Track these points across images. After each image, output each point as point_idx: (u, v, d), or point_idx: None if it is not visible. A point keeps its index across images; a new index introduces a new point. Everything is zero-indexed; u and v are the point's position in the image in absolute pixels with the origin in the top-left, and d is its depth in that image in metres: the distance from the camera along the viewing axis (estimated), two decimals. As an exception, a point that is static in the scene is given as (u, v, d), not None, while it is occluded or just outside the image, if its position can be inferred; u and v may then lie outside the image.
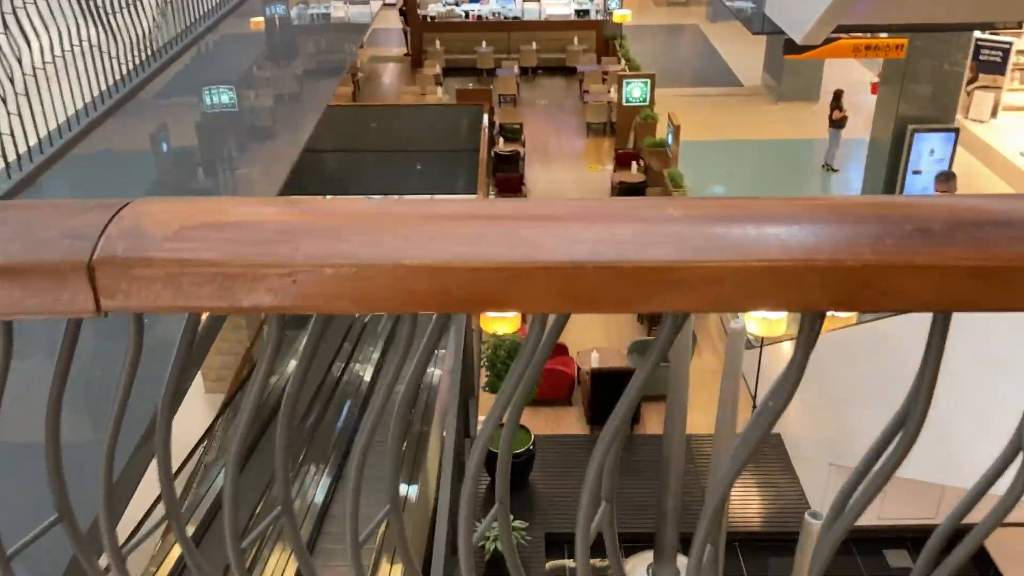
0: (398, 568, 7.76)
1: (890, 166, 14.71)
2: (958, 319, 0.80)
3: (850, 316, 8.51)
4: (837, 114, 17.20)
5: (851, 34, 12.38)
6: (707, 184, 16.75)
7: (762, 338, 8.68)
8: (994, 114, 18.86)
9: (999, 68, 18.78)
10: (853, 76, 20.28)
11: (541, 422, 9.82)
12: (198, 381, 13.38)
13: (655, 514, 7.46)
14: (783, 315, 8.56)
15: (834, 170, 17.57)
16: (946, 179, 8.58)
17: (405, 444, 9.55)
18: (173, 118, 7.17)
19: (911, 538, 8.02)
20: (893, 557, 7.95)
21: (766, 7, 7.66)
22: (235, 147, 8.60)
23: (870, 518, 8.20)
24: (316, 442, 9.81)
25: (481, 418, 10.29)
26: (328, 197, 0.56)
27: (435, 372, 12.03)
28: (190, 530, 8.22)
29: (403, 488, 8.89)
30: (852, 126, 17.40)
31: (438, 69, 22.95)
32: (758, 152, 18.79)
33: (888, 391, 6.79)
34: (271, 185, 8.48)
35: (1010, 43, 18.60)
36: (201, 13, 7.18)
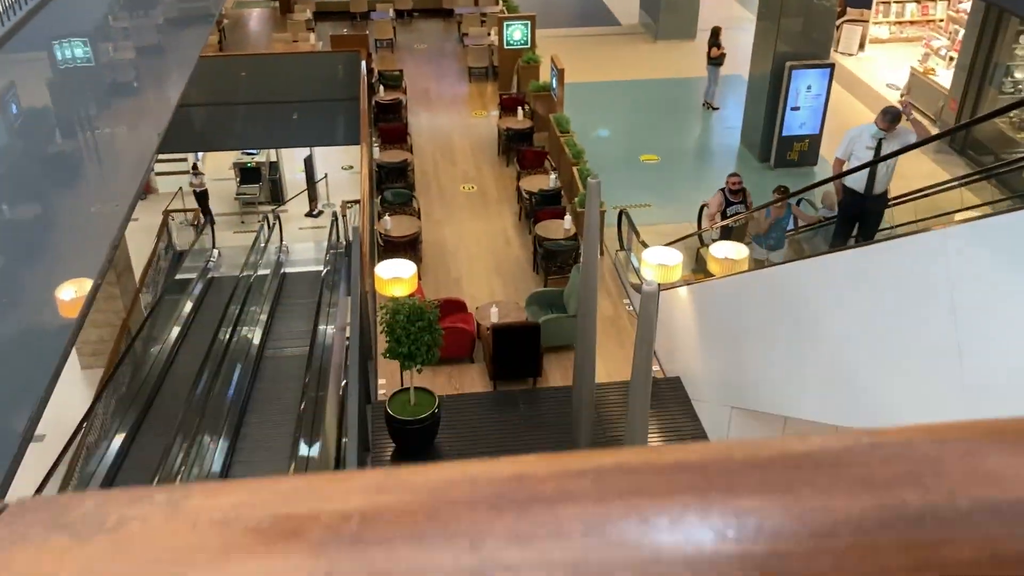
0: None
1: (769, 103, 14.95)
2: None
3: (742, 261, 8.59)
4: (715, 52, 17.31)
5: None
6: (593, 127, 16.67)
7: (659, 283, 8.70)
8: (862, 47, 19.44)
9: (865, 2, 19.31)
10: (729, 13, 20.49)
11: (443, 381, 9.64)
12: (73, 358, 12.59)
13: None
14: (678, 262, 8.57)
15: (714, 108, 17.77)
16: (893, 119, 8.22)
17: (304, 405, 9.23)
18: (20, 76, 6.50)
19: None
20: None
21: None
22: (96, 106, 7.92)
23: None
24: (209, 408, 9.38)
25: (382, 381, 10.03)
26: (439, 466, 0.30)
27: (327, 330, 11.65)
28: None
29: (304, 448, 8.60)
30: (730, 63, 17.59)
31: (309, 14, 21.95)
32: (640, 92, 18.81)
33: (784, 335, 6.88)
34: (144, 146, 7.86)
35: (875, -23, 19.13)
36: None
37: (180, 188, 16.86)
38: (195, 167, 17.11)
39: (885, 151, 8.07)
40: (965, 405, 4.64)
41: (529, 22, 18.04)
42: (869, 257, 5.71)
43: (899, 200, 8.63)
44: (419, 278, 10.31)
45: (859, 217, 8.47)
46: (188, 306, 12.55)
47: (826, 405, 6.49)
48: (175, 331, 11.73)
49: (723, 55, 17.32)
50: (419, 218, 12.87)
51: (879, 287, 5.44)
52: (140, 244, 13.83)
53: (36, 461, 6.80)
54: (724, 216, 10.63)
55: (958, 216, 7.11)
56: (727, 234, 10.33)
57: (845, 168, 8.44)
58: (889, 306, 5.32)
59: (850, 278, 5.85)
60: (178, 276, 13.85)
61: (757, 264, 9.74)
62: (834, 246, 8.78)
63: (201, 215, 16.18)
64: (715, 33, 17.39)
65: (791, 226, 10.16)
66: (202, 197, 16.45)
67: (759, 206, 10.34)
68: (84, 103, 7.21)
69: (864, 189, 8.14)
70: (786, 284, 6.84)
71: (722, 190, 10.72)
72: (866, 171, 8.04)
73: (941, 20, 18.88)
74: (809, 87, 14.50)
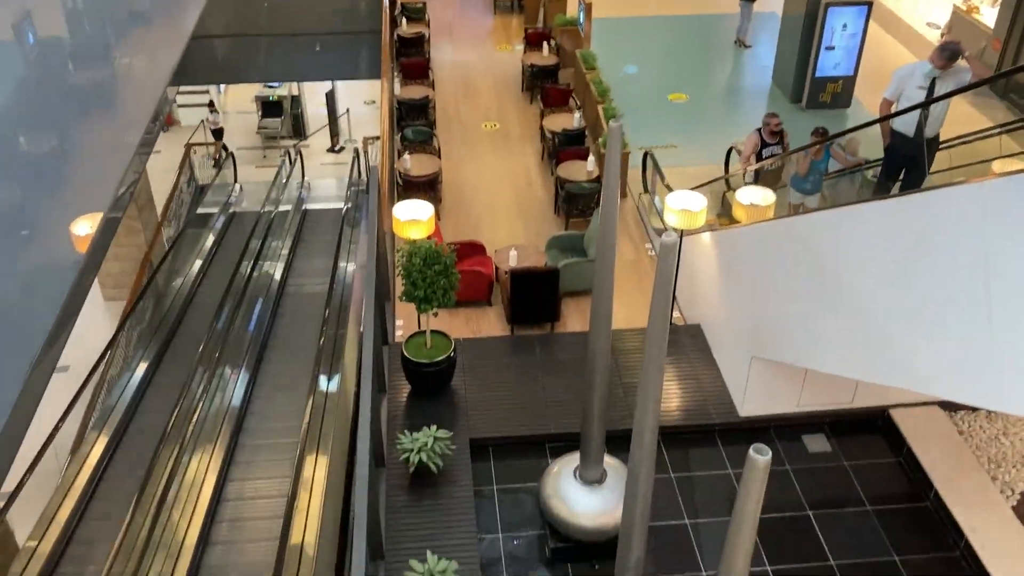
0: (323, 460, 7.53)
1: (803, 42, 14.48)
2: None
3: (768, 208, 8.36)
4: (749, -13, 16.77)
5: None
6: (620, 65, 16.26)
7: (681, 230, 8.53)
8: (902, -16, 18.72)
9: (908, -64, 18.53)
10: (764, -54, 19.74)
11: (461, 324, 9.58)
12: (95, 290, 12.66)
13: (578, 414, 7.37)
14: (703, 208, 8.37)
15: (747, 46, 17.27)
16: (951, 57, 7.45)
17: (323, 340, 9.22)
18: (29, 3, 6.35)
19: (828, 423, 8.19)
20: (811, 441, 8.11)
21: None
22: (112, 34, 7.78)
23: (789, 405, 8.25)
24: (230, 342, 9.41)
25: (399, 323, 9.97)
26: None
27: (347, 267, 11.60)
28: (102, 443, 7.84)
29: (323, 383, 8.62)
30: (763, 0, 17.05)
31: (332, -58, 21.41)
32: (670, 28, 18.31)
33: (806, 284, 6.70)
34: (157, 76, 7.73)
35: (918, -91, 18.30)
36: None
37: (202, 121, 16.74)
38: (211, 104, 16.94)
39: (939, 91, 7.62)
40: (991, 370, 4.48)
41: (557, -47, 17.53)
42: (900, 209, 5.49)
43: (949, 144, 8.17)
44: (437, 218, 10.17)
45: (906, 162, 7.94)
46: (210, 240, 12.53)
47: (848, 359, 6.34)
48: (197, 265, 11.73)
49: (757, -10, 16.77)
50: (439, 157, 12.68)
51: (909, 241, 5.24)
52: (162, 178, 13.78)
53: (59, 392, 6.85)
54: (759, 158, 10.28)
55: (996, 166, 6.83)
56: (761, 177, 10.02)
57: (894, 109, 7.97)
58: (919, 261, 5.13)
59: (879, 230, 5.64)
60: (200, 210, 13.82)
61: (792, 208, 9.47)
62: (877, 192, 8.42)
63: (223, 150, 16.11)
64: (749, -33, 16.83)
65: (828, 169, 9.81)
66: (218, 135, 16.34)
67: (796, 148, 9.98)
68: (94, 31, 7.06)
69: (914, 132, 7.66)
70: (813, 234, 6.64)
71: (758, 130, 10.33)
72: (917, 113, 7.55)
73: (988, -45, 18.09)
74: (845, 26, 14.01)
